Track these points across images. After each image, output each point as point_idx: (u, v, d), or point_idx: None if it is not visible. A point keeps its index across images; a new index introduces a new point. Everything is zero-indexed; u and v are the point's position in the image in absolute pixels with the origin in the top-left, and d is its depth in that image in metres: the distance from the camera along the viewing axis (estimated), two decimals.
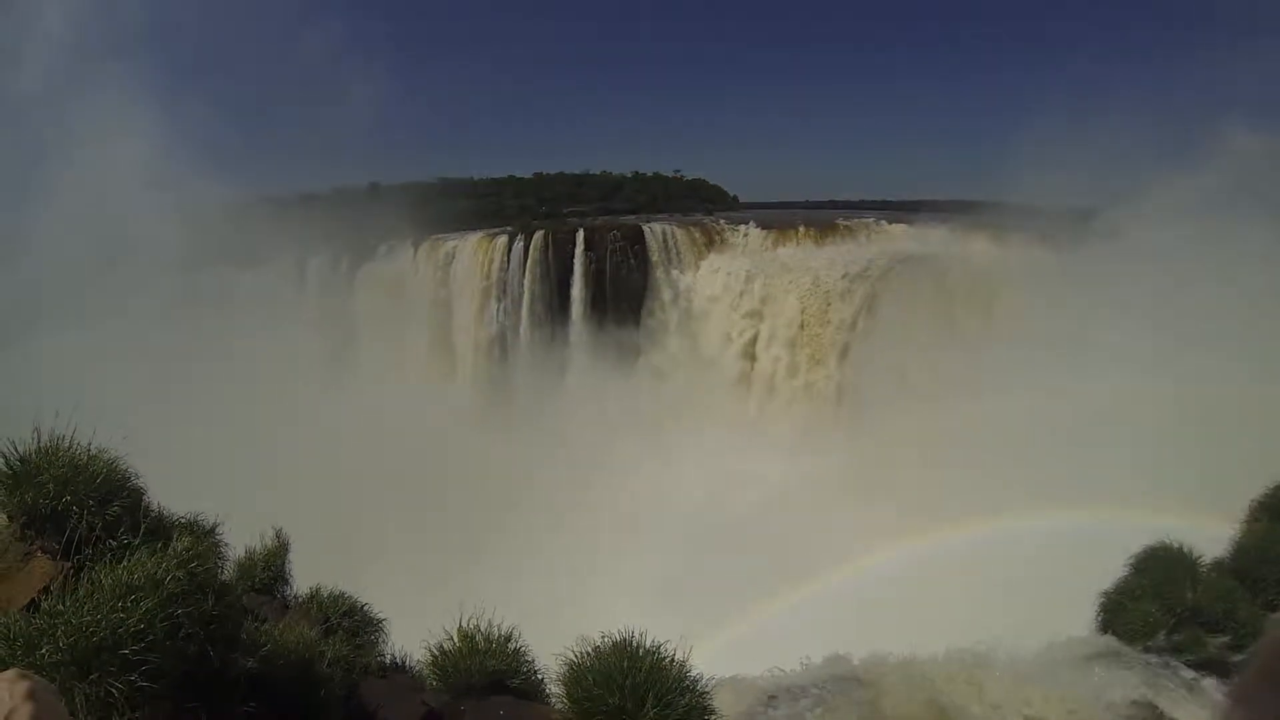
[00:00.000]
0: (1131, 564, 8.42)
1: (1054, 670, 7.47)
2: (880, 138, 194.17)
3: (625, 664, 3.74)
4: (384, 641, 5.14)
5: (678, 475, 30.92)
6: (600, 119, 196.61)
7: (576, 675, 3.85)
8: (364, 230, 41.83)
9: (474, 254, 40.08)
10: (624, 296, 38.98)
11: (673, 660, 3.84)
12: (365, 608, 5.17)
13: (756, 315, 35.64)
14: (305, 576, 5.33)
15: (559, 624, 4.55)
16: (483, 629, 4.55)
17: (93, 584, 2.91)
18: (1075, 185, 34.26)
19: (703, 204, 54.60)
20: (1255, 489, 9.39)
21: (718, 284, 37.18)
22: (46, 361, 27.42)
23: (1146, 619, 7.73)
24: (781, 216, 45.12)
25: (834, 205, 56.12)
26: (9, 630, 2.73)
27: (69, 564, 3.26)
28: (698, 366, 36.90)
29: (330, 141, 72.27)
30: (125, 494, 3.65)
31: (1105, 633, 8.01)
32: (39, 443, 3.57)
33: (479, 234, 41.34)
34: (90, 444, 3.68)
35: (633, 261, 39.20)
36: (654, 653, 3.84)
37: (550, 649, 4.22)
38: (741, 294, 36.17)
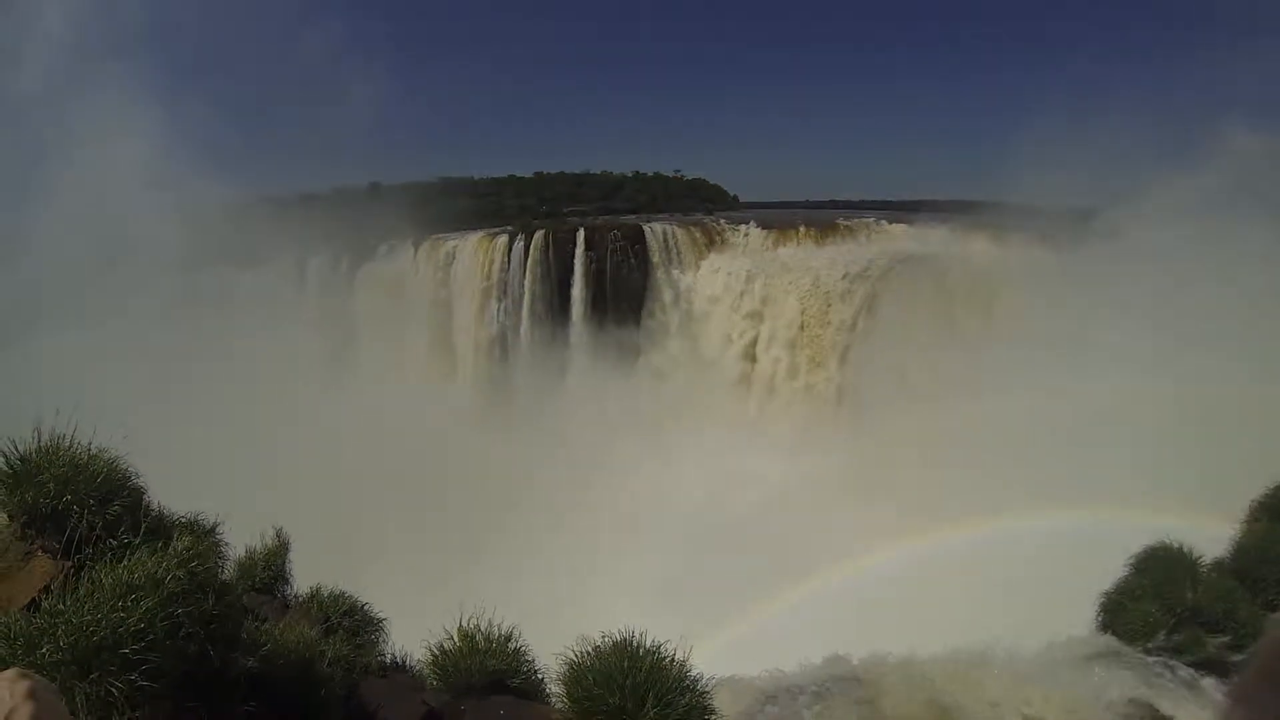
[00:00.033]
0: (1132, 564, 8.42)
1: (1054, 670, 7.47)
2: (880, 138, 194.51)
3: (625, 664, 3.74)
4: (384, 641, 5.15)
5: (678, 475, 30.91)
6: (600, 119, 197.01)
7: (577, 675, 3.85)
8: (364, 230, 41.81)
9: (474, 254, 40.06)
10: (624, 296, 38.97)
11: (673, 660, 3.84)
12: (365, 607, 5.17)
13: (757, 316, 35.63)
14: (305, 576, 5.34)
15: (559, 624, 4.55)
16: (483, 629, 4.55)
17: (93, 583, 2.91)
18: (1075, 185, 34.31)
19: (703, 204, 54.56)
20: (1255, 489, 9.39)
21: (718, 284, 37.16)
22: (46, 361, 27.43)
23: (1147, 619, 7.73)
24: (782, 216, 45.08)
25: (834, 205, 56.14)
26: (9, 629, 2.73)
27: (69, 563, 3.26)
28: (698, 367, 36.88)
29: (330, 141, 72.38)
30: (126, 493, 3.65)
31: (1105, 633, 8.01)
32: (39, 442, 3.56)
33: (479, 233, 41.32)
34: (91, 443, 3.68)
35: (633, 261, 39.19)
36: (654, 652, 3.84)
37: (550, 649, 4.22)
38: (742, 294, 36.14)
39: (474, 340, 39.58)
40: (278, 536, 5.33)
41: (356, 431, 29.47)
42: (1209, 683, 7.16)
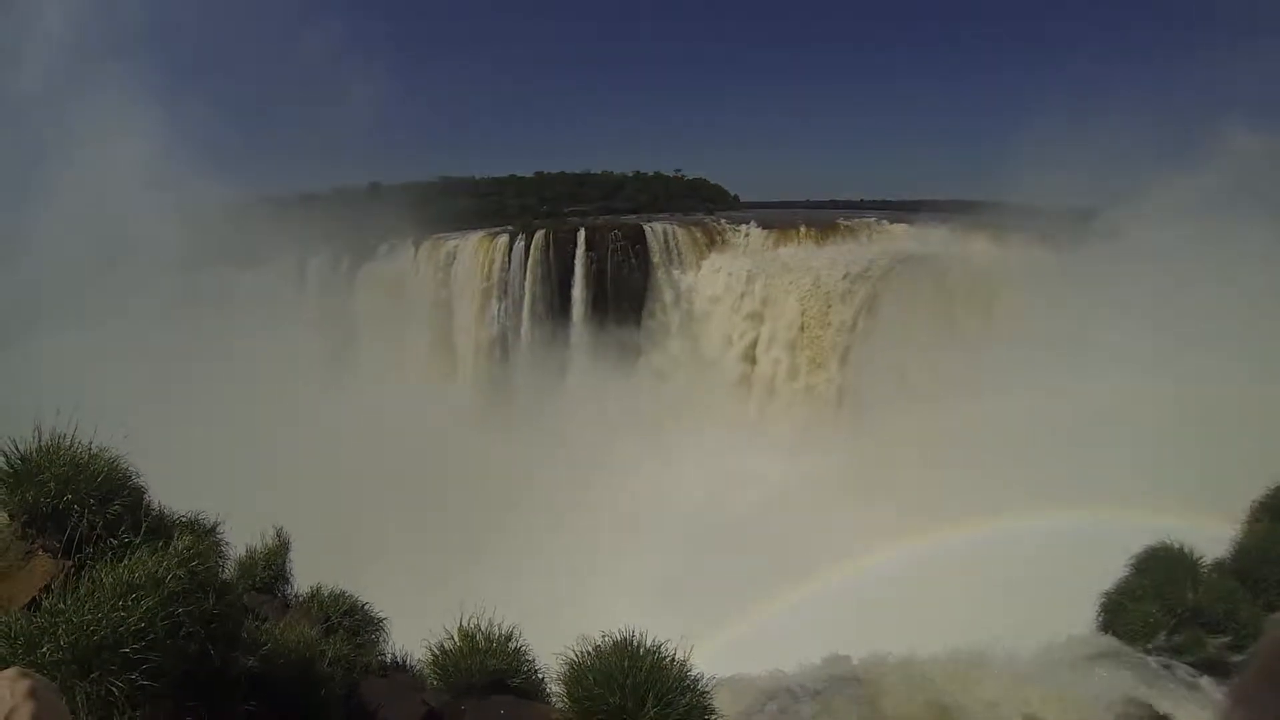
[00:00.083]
0: (1132, 564, 8.42)
1: (1053, 670, 7.47)
2: (880, 138, 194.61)
3: (626, 663, 3.74)
4: (384, 641, 5.15)
5: (678, 475, 30.90)
6: (601, 119, 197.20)
7: (577, 674, 3.85)
8: (364, 230, 41.79)
9: (475, 254, 40.04)
10: (625, 296, 38.96)
11: (673, 660, 3.84)
12: (366, 607, 5.18)
13: (757, 317, 35.62)
14: (306, 576, 5.34)
15: (559, 624, 4.55)
16: (483, 628, 4.56)
17: (94, 583, 2.91)
18: (1075, 185, 34.30)
19: (704, 203, 54.57)
20: (1255, 489, 9.39)
21: (719, 284, 37.16)
22: (46, 361, 27.42)
23: (1147, 619, 7.73)
24: (782, 216, 45.07)
25: (835, 205, 56.12)
26: (10, 629, 2.73)
27: (70, 562, 3.27)
28: (698, 368, 36.88)
29: (330, 141, 72.40)
30: (126, 493, 3.65)
31: (1106, 633, 8.01)
32: (40, 441, 3.57)
33: (480, 233, 41.30)
34: (91, 443, 3.69)
35: (634, 261, 39.18)
36: (654, 652, 3.84)
37: (550, 649, 4.22)
38: (743, 295, 36.13)
39: (474, 340, 39.57)
40: (278, 536, 5.34)
41: (357, 431, 29.46)
42: (1209, 683, 7.16)
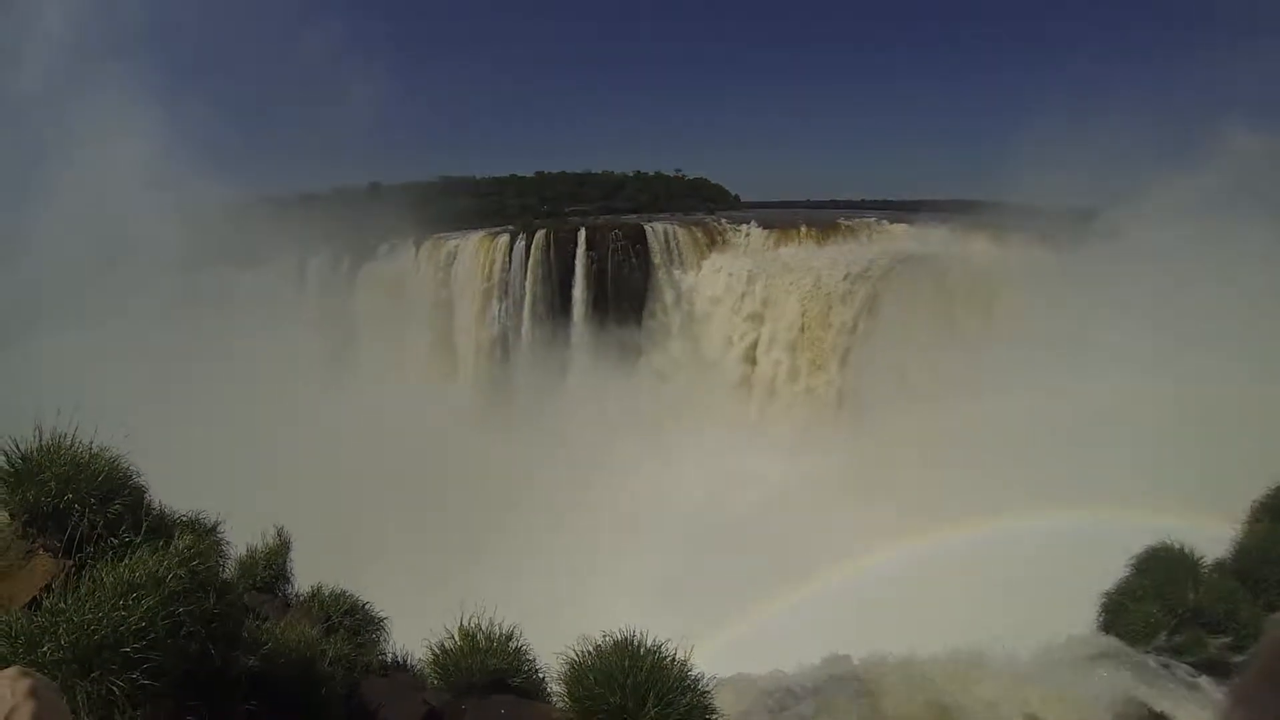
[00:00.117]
0: (1133, 564, 8.41)
1: (1053, 670, 7.47)
2: (881, 137, 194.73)
3: (626, 663, 3.74)
4: (385, 640, 5.15)
5: (678, 475, 30.91)
6: (602, 118, 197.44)
7: (578, 674, 3.85)
8: (365, 230, 41.79)
9: (475, 254, 40.04)
10: (625, 296, 38.97)
11: (674, 660, 3.84)
12: (366, 606, 5.18)
13: (757, 318, 35.61)
14: (306, 575, 5.34)
15: (559, 624, 4.55)
16: (484, 628, 4.55)
17: (94, 582, 2.91)
18: (1075, 185, 34.33)
19: (704, 203, 54.60)
20: (1255, 489, 9.38)
21: (719, 285, 37.15)
22: (46, 361, 27.43)
23: (1148, 620, 7.72)
24: (783, 216, 45.10)
25: (835, 205, 56.14)
26: (11, 628, 2.73)
27: (71, 562, 3.27)
28: (699, 368, 36.88)
29: (331, 141, 72.50)
30: (127, 492, 3.65)
31: (1107, 633, 8.00)
32: (41, 441, 3.57)
33: (480, 233, 41.32)
34: (92, 443, 3.68)
35: (634, 261, 39.19)
36: (655, 652, 3.83)
37: (550, 648, 4.22)
38: (743, 296, 36.12)
39: (475, 340, 39.58)
40: (279, 535, 5.34)
41: (357, 431, 29.47)
42: (1210, 683, 7.16)
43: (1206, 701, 6.95)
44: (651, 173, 59.62)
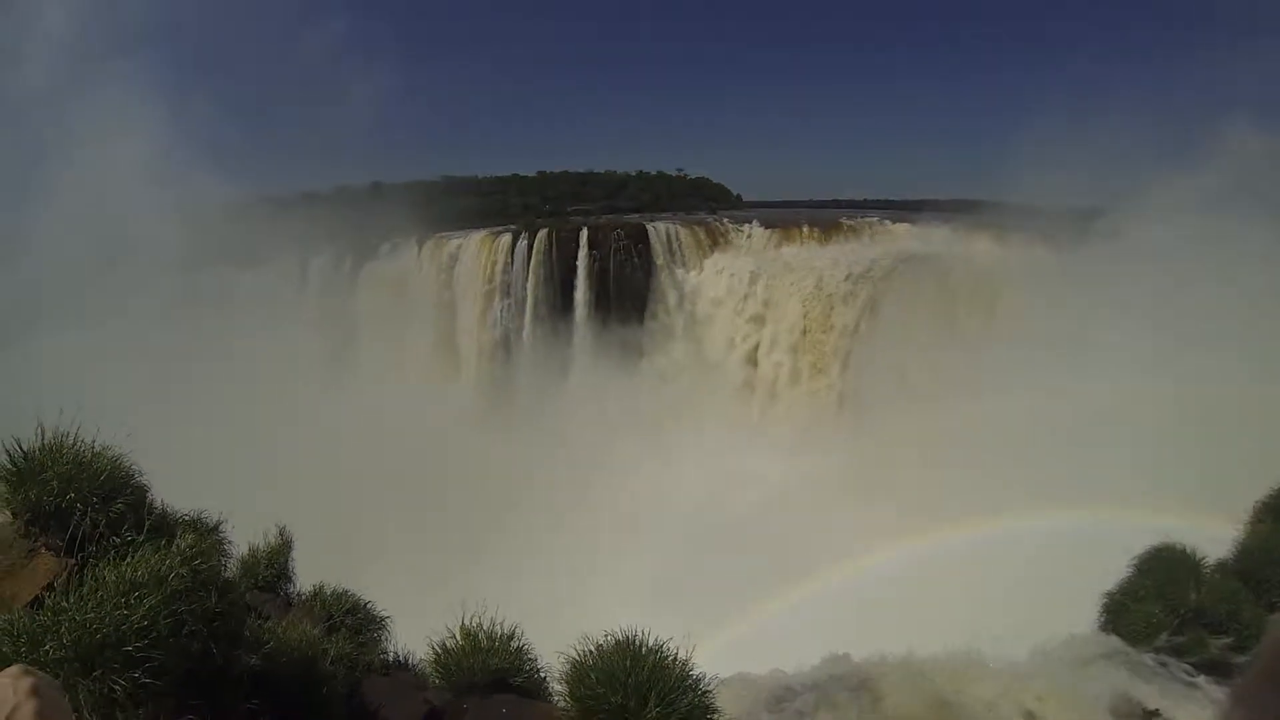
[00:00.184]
0: (1135, 564, 8.40)
1: (1054, 670, 7.46)
2: (882, 137, 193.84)
3: (628, 663, 3.74)
4: (387, 639, 5.15)
5: (678, 475, 30.92)
6: (603, 118, 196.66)
7: (579, 674, 3.85)
8: (366, 229, 41.78)
9: (477, 254, 40.04)
10: (627, 295, 38.96)
11: (675, 659, 3.84)
12: (368, 606, 5.18)
13: (759, 320, 35.58)
14: (307, 575, 5.35)
15: (559, 623, 4.55)
16: (485, 627, 4.56)
17: (96, 581, 2.91)
18: (1075, 185, 34.30)
19: (706, 203, 54.57)
20: (1255, 489, 9.36)
21: (721, 286, 37.11)
22: (47, 361, 27.44)
23: (1149, 620, 7.71)
24: (785, 215, 45.12)
25: (837, 204, 56.12)
26: (13, 627, 2.73)
27: (73, 561, 3.27)
28: (700, 369, 36.88)
29: (332, 140, 72.45)
30: (129, 491, 3.65)
31: (1108, 633, 8.00)
32: (43, 440, 3.57)
33: (482, 232, 41.32)
34: (94, 442, 3.69)
35: (636, 260, 39.18)
36: (656, 651, 3.84)
37: (551, 648, 4.22)
38: (745, 297, 36.08)
39: (476, 340, 39.59)
40: (281, 535, 5.34)
41: (358, 431, 29.50)
42: (1211, 684, 7.15)
43: (1206, 701, 6.95)
44: (654, 172, 59.77)
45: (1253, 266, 23.29)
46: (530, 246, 39.28)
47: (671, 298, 38.47)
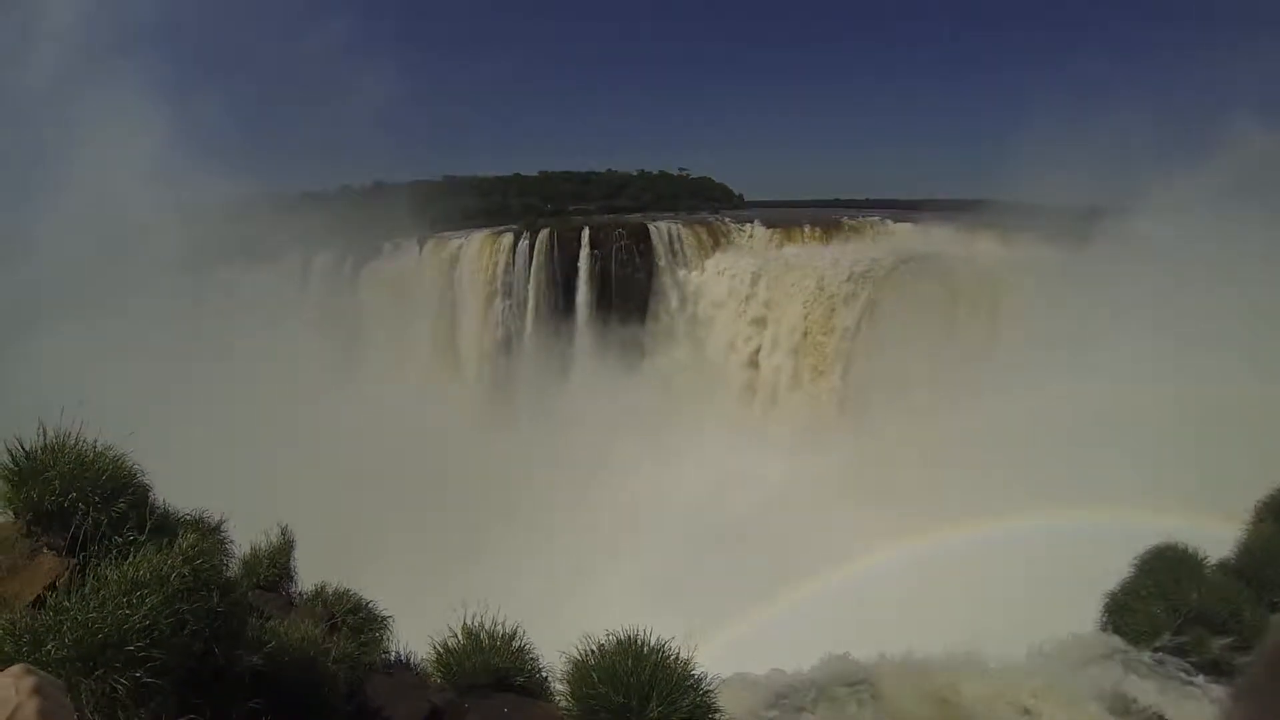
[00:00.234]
0: (1136, 564, 8.39)
1: (1054, 669, 7.46)
2: (883, 137, 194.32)
3: (630, 662, 3.74)
4: (388, 639, 5.15)
5: (678, 475, 30.88)
6: (605, 118, 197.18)
7: (581, 673, 3.86)
8: (368, 229, 41.69)
9: (479, 253, 40.00)
10: (629, 295, 38.89)
11: (676, 659, 3.84)
12: (370, 605, 5.18)
13: (761, 322, 35.52)
14: (309, 574, 5.35)
15: (560, 623, 4.56)
16: (486, 627, 4.56)
17: (98, 580, 2.92)
18: (1077, 184, 34.20)
19: (708, 202, 54.48)
20: (1256, 489, 9.36)
21: (723, 288, 37.05)
22: (47, 361, 27.39)
23: (1151, 619, 7.70)
24: (787, 215, 45.04)
25: (839, 204, 56.00)
26: (15, 626, 2.73)
27: (75, 560, 3.27)
28: (701, 370, 36.84)
29: (334, 140, 72.17)
30: (131, 491, 3.66)
31: (1110, 633, 8.00)
32: (45, 440, 3.57)
33: (484, 232, 41.24)
34: (95, 442, 3.69)
35: (638, 260, 39.11)
36: (658, 651, 3.84)
37: (552, 647, 4.23)
38: (747, 299, 36.02)
39: (478, 340, 39.55)
40: (282, 534, 5.34)
41: (359, 431, 29.46)
42: (1212, 684, 7.15)
43: (1206, 700, 6.95)
44: (655, 172, 59.62)
45: (1253, 266, 23.24)
46: (532, 246, 39.22)
47: (673, 298, 38.39)
